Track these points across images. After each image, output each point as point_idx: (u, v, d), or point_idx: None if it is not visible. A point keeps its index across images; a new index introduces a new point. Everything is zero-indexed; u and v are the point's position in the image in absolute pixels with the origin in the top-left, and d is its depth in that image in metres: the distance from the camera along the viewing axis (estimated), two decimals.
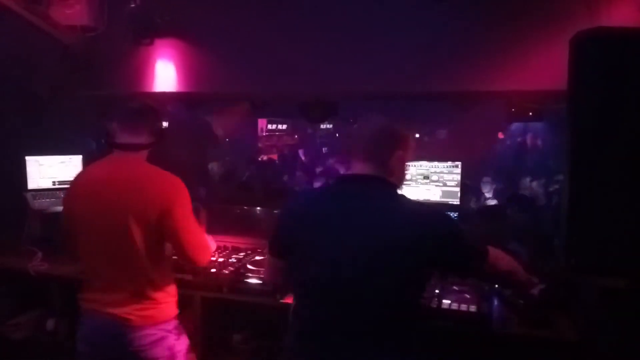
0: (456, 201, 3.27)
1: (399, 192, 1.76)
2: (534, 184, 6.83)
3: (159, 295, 2.12)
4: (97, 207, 2.05)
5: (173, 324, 2.18)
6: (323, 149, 13.21)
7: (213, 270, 2.80)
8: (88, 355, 2.15)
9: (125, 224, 2.00)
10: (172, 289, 2.21)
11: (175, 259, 2.25)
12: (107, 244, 2.06)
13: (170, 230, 2.05)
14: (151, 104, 2.24)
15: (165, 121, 5.27)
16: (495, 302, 2.54)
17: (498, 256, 1.79)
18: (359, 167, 1.74)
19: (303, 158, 10.31)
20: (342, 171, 7.54)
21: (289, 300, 2.58)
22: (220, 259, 2.98)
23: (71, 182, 2.19)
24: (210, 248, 2.33)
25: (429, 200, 3.32)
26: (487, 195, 6.23)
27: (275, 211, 4.31)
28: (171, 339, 2.16)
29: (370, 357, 1.61)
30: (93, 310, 2.11)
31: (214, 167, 7.56)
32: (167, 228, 2.04)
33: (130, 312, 2.05)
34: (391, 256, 1.57)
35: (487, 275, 1.89)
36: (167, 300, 2.16)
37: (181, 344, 2.20)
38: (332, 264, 1.62)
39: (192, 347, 2.30)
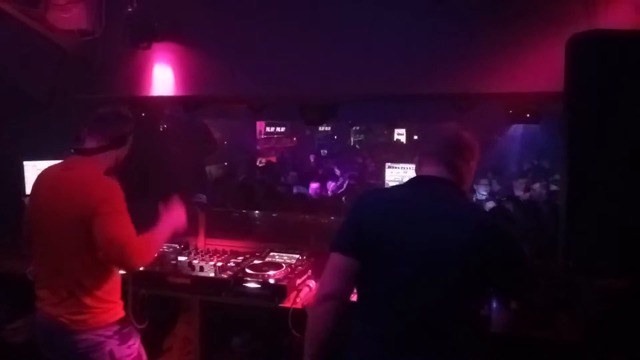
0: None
1: (465, 195, 1.83)
2: (534, 185, 6.85)
3: (91, 300, 2.10)
4: (41, 207, 2.15)
5: (113, 329, 2.14)
6: (322, 151, 13.23)
7: (212, 274, 2.80)
8: (44, 353, 2.20)
9: (59, 226, 2.06)
10: (109, 295, 2.17)
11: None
12: (46, 244, 2.13)
13: (95, 233, 2.01)
14: (118, 110, 2.26)
15: (163, 124, 5.29)
16: (495, 304, 2.54)
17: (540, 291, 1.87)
18: (433, 170, 1.77)
19: (312, 160, 10.35)
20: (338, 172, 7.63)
21: (287, 304, 2.57)
22: (219, 263, 2.97)
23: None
24: (142, 253, 2.11)
25: None
26: (482, 196, 6.23)
27: (274, 215, 4.31)
28: (111, 344, 2.13)
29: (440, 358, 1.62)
30: (39, 309, 2.16)
31: (211, 170, 7.56)
32: (94, 231, 2.01)
33: (63, 315, 2.08)
34: (459, 260, 1.59)
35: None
36: (101, 306, 2.13)
37: (127, 349, 2.17)
38: (422, 264, 1.62)
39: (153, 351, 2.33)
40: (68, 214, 2.05)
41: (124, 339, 2.17)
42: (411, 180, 1.85)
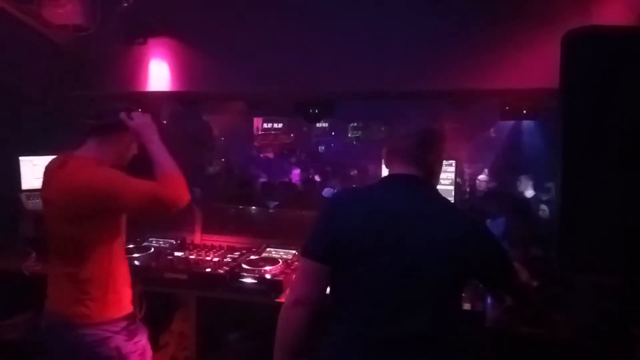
0: (450, 199, 3.27)
1: (439, 192, 1.79)
2: (527, 182, 6.86)
3: (95, 291, 2.08)
4: (45, 201, 2.15)
5: (121, 324, 2.12)
6: (319, 147, 13.22)
7: (208, 269, 2.81)
8: (48, 350, 2.18)
9: (61, 219, 2.06)
10: (115, 286, 2.14)
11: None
12: (52, 238, 2.13)
13: (124, 211, 2.10)
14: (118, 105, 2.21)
15: (164, 120, 5.28)
16: (489, 300, 2.55)
17: (520, 271, 1.81)
18: (403, 168, 1.73)
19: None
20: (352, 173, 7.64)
21: (283, 299, 2.58)
22: (216, 259, 2.98)
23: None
24: (163, 181, 1.99)
25: None
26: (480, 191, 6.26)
27: (271, 211, 4.32)
28: (118, 340, 2.10)
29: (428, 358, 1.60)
30: (45, 305, 2.16)
31: (209, 166, 7.56)
32: (120, 211, 2.08)
33: (68, 309, 2.07)
34: (445, 259, 1.58)
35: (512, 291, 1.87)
36: (107, 298, 2.10)
37: (133, 345, 2.15)
38: (391, 265, 1.59)
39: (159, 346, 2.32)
40: (73, 207, 2.02)
41: (131, 335, 2.14)
42: (385, 180, 1.79)
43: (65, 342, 2.10)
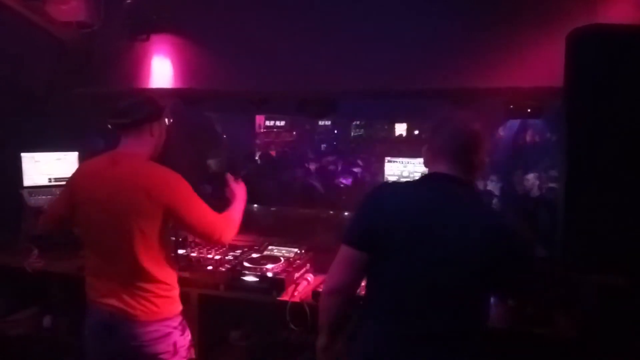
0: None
1: (479, 195, 1.83)
2: (532, 180, 6.84)
3: (156, 288, 2.12)
4: (95, 201, 2.09)
5: (178, 320, 2.20)
6: (321, 145, 13.22)
7: (210, 267, 2.81)
8: (92, 349, 2.16)
9: (119, 218, 2.05)
10: (172, 281, 2.21)
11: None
12: (103, 238, 2.09)
13: (181, 219, 2.12)
14: (136, 98, 2.27)
15: (168, 118, 5.28)
16: (492, 299, 2.54)
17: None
18: (445, 168, 1.73)
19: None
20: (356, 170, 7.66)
21: (285, 297, 2.58)
22: (217, 257, 2.98)
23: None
24: (229, 228, 2.28)
25: None
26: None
27: (272, 209, 4.31)
28: (176, 335, 2.17)
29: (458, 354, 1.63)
30: (94, 302, 2.12)
31: (211, 164, 7.55)
32: (177, 217, 2.11)
33: (133, 307, 2.07)
34: (475, 260, 1.60)
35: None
36: (168, 294, 2.16)
37: (184, 339, 2.22)
38: (426, 262, 1.62)
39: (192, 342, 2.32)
40: (133, 204, 2.04)
41: (184, 330, 2.21)
42: (426, 178, 1.81)
43: (124, 338, 2.08)
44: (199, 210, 2.15)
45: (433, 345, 1.62)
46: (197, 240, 2.30)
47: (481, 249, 1.59)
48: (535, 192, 6.07)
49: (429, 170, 1.80)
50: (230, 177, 2.51)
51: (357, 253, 1.73)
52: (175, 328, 2.16)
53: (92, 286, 2.15)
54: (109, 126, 2.19)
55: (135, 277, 2.08)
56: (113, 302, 2.07)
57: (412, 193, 1.77)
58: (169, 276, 2.19)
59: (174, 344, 2.15)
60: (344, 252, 1.76)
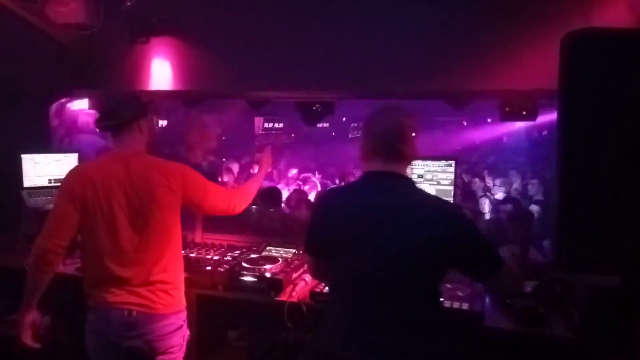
0: (450, 200, 3.28)
1: (418, 186, 1.88)
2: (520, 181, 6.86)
3: (177, 282, 2.19)
4: (108, 201, 2.11)
5: (185, 313, 2.26)
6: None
7: (208, 268, 2.82)
8: (104, 351, 2.15)
9: (136, 214, 2.11)
10: (182, 274, 2.28)
11: None
12: (121, 236, 2.11)
13: (197, 202, 2.29)
14: (123, 96, 2.36)
15: (163, 119, 5.30)
16: (488, 300, 2.56)
17: (507, 272, 1.83)
18: (381, 165, 1.80)
19: None
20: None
21: (283, 297, 2.59)
22: (216, 257, 2.99)
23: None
24: (238, 193, 2.55)
25: None
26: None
27: (271, 210, 4.33)
28: (184, 328, 2.23)
29: (404, 346, 1.68)
30: (111, 304, 2.11)
31: (209, 165, 7.55)
32: (193, 201, 2.27)
33: (155, 300, 2.10)
34: (419, 250, 1.66)
35: (491, 285, 1.95)
36: (181, 287, 2.25)
37: (187, 333, 2.28)
38: (372, 259, 1.69)
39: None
40: (156, 199, 2.11)
41: (187, 322, 2.27)
42: (365, 177, 1.87)
43: (143, 334, 2.09)
44: (213, 189, 2.34)
45: (384, 333, 1.68)
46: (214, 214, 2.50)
47: (424, 236, 1.65)
48: None
49: (365, 169, 1.86)
50: (262, 146, 2.74)
51: (315, 259, 1.95)
52: (184, 321, 2.23)
53: (103, 289, 2.12)
54: (98, 129, 2.26)
55: (156, 272, 2.11)
56: (133, 299, 2.09)
57: (352, 195, 1.86)
58: (181, 267, 2.26)
59: (183, 337, 2.22)
60: (307, 259, 2.03)
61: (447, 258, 1.70)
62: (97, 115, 2.26)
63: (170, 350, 2.15)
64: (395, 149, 1.78)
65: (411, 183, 1.84)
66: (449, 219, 1.72)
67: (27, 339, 2.22)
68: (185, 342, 2.25)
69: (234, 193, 2.50)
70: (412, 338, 1.68)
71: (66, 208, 2.10)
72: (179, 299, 2.21)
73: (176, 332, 2.16)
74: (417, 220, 1.68)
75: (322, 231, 1.86)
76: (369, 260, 1.70)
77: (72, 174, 2.20)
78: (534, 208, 5.52)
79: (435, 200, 1.85)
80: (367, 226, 1.71)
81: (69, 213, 2.09)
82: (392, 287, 1.69)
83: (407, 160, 1.82)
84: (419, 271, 1.68)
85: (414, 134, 1.82)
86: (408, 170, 1.86)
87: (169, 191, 2.14)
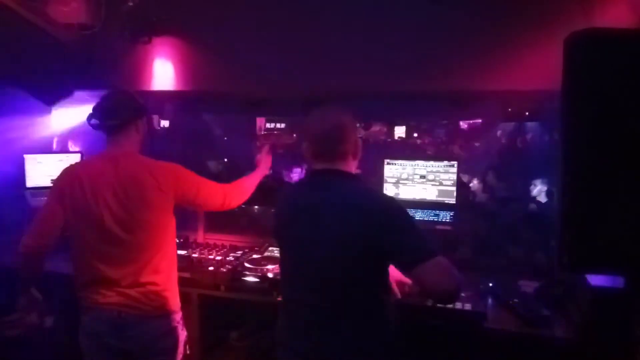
0: (452, 200, 3.28)
1: (358, 180, 1.91)
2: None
3: (163, 281, 2.15)
4: (101, 202, 2.10)
5: (180, 314, 2.25)
6: None
7: (211, 268, 2.82)
8: (96, 352, 2.15)
9: (129, 215, 2.09)
10: (175, 275, 2.27)
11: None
12: (115, 237, 2.10)
13: (191, 198, 2.26)
14: (122, 95, 2.33)
15: (165, 120, 5.29)
16: (490, 301, 2.56)
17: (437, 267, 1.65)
18: (322, 164, 1.86)
19: None
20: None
21: None
22: (218, 257, 2.99)
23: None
24: (231, 188, 2.48)
25: (424, 199, 3.33)
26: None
27: (273, 210, 4.33)
28: (179, 330, 2.22)
29: (339, 336, 1.74)
30: (100, 305, 2.10)
31: (211, 166, 7.55)
32: (187, 198, 2.24)
33: (144, 301, 2.09)
34: (348, 249, 1.70)
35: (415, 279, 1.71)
36: (173, 288, 2.23)
37: (183, 335, 2.27)
38: (312, 252, 1.76)
39: (189, 341, 2.35)
40: (145, 201, 2.10)
41: (183, 325, 2.27)
42: (309, 176, 1.97)
43: (134, 335, 2.09)
44: (205, 186, 2.32)
45: (322, 327, 1.76)
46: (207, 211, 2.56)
47: (360, 229, 1.68)
48: None
49: (310, 167, 1.92)
50: (262, 148, 2.77)
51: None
52: (178, 323, 2.21)
53: (94, 290, 2.12)
54: (92, 127, 2.20)
55: (146, 273, 2.10)
56: (123, 300, 2.08)
57: (296, 195, 1.95)
58: (174, 268, 2.24)
59: (177, 339, 2.20)
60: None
61: (375, 253, 1.70)
62: (91, 113, 2.19)
63: (162, 352, 2.14)
64: (336, 150, 1.84)
65: (350, 179, 1.85)
66: (374, 214, 1.71)
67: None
68: (182, 344, 2.23)
69: (227, 188, 2.44)
70: (351, 334, 1.74)
71: (54, 207, 2.12)
72: (172, 301, 2.19)
73: (169, 334, 2.15)
74: (343, 219, 1.71)
75: (275, 229, 1.98)
76: (306, 260, 1.79)
77: (63, 173, 2.22)
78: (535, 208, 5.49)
79: (364, 196, 1.79)
80: (304, 226, 1.79)
81: (57, 212, 2.12)
82: (329, 286, 1.75)
83: (350, 156, 1.87)
84: (352, 269, 1.72)
85: (352, 132, 1.86)
86: (354, 165, 1.92)
87: (159, 191, 2.12)
